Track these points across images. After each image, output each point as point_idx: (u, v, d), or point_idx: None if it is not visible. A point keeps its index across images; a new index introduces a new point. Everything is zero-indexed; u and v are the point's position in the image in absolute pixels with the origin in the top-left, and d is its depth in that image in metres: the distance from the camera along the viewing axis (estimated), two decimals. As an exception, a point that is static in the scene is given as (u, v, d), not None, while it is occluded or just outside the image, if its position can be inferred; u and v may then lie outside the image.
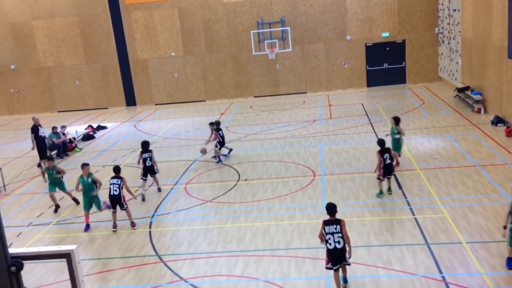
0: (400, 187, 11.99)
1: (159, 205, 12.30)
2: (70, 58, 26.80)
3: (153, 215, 11.76)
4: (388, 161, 11.40)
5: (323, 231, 7.68)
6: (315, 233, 10.02)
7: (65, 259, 2.71)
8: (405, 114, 19.42)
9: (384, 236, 9.68)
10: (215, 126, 15.57)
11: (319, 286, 8.18)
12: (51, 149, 17.64)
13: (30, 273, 9.14)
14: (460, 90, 20.25)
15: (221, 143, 15.48)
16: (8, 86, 27.32)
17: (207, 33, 26.06)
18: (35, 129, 15.82)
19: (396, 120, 13.12)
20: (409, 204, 10.96)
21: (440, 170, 12.86)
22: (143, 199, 12.69)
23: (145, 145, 13.06)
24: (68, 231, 11.23)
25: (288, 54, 25.67)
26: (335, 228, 7.59)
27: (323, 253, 9.14)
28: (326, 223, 7.71)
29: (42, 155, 15.75)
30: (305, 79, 26.42)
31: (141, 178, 12.93)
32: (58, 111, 27.25)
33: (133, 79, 26.92)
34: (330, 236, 7.58)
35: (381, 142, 11.60)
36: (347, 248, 7.67)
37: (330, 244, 7.61)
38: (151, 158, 12.90)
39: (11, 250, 2.53)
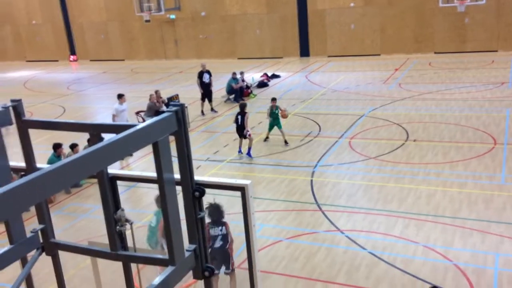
0: None
1: (322, 156, 12.54)
2: (253, 6, 28.04)
3: (316, 165, 12.06)
4: None
5: None
6: (488, 205, 9.24)
7: (236, 193, 3.01)
8: None
9: None
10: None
11: (486, 261, 7.59)
12: (230, 93, 19.08)
13: (204, 202, 10.28)
14: None
15: None
16: (198, 32, 29.94)
17: (389, -18, 24.65)
18: (200, 74, 17.31)
19: None
20: None
21: None
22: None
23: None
24: (238, 170, 12.23)
25: (480, 7, 22.92)
26: None
27: (495, 228, 8.43)
28: None
29: (203, 96, 17.28)
30: (497, 36, 23.45)
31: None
32: (238, 58, 29.09)
33: (309, 29, 27.12)
34: None
35: None
36: None
37: None
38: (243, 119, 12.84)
39: (196, 177, 2.89)
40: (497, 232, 8.32)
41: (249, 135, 12.69)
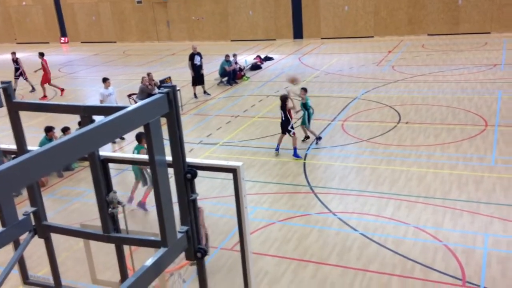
0: None
1: (315, 139, 12.56)
2: (245, -12, 27.73)
3: (309, 147, 12.09)
4: None
5: None
6: (478, 186, 9.34)
7: (229, 176, 3.03)
8: None
9: (562, 202, 8.56)
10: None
11: (475, 241, 7.71)
12: (223, 76, 18.99)
13: (197, 184, 10.31)
14: None
15: None
16: (191, 13, 29.61)
17: (383, -37, 24.45)
18: (191, 57, 17.17)
19: None
20: None
21: None
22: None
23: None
24: (231, 153, 12.24)
25: (474, -12, 22.86)
26: None
27: (484, 209, 8.55)
28: None
29: (194, 81, 17.15)
30: (491, 18, 23.43)
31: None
32: (231, 40, 28.85)
33: (302, 11, 26.91)
34: None
35: None
36: None
37: None
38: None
39: (188, 159, 2.90)
40: (487, 213, 8.44)
41: (293, 133, 11.43)
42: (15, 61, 19.84)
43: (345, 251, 7.76)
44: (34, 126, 13.73)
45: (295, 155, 11.46)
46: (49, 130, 11.50)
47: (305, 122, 12.15)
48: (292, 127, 11.48)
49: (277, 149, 11.79)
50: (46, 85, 18.91)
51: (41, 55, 19.25)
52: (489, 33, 23.57)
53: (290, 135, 11.50)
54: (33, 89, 20.00)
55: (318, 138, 12.21)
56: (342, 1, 25.91)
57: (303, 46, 25.44)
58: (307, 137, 12.36)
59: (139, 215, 9.48)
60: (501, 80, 15.97)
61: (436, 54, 20.69)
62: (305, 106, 12.05)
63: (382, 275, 7.14)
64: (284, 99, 11.47)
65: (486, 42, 21.99)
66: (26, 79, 19.96)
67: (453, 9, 24.01)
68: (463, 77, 16.76)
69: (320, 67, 20.36)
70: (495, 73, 16.94)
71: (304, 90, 12.23)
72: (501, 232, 7.89)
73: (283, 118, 11.47)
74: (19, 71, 19.81)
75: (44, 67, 18.91)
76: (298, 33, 27.39)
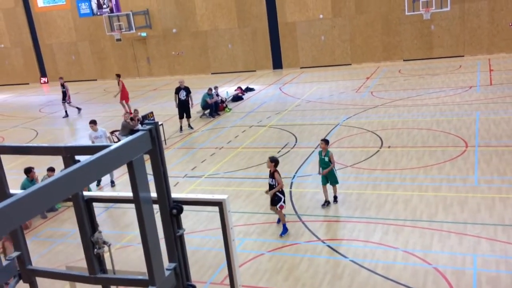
0: None
1: (300, 167, 12.62)
2: (224, 22, 28.22)
3: (294, 176, 12.11)
4: None
5: None
6: (463, 207, 9.43)
7: (216, 208, 3.02)
8: None
9: (546, 218, 8.67)
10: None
11: (464, 262, 7.73)
12: (205, 108, 19.08)
13: (184, 219, 10.20)
14: None
15: None
16: (170, 49, 29.92)
17: (356, -7, 25.20)
18: (177, 91, 17.35)
19: None
20: None
21: None
22: None
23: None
24: (217, 185, 12.19)
25: (445, 14, 23.64)
26: None
27: (471, 229, 8.61)
28: None
29: (180, 115, 17.23)
30: (463, 41, 24.17)
31: None
32: (211, 73, 29.14)
33: (280, 42, 27.43)
34: None
35: None
36: None
37: None
38: None
39: (173, 195, 2.89)
40: (474, 234, 8.49)
41: (280, 206, 9.20)
42: (62, 85, 21.72)
43: (336, 279, 7.70)
44: (15, 168, 13.53)
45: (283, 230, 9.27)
46: (29, 171, 11.33)
47: (326, 180, 10.04)
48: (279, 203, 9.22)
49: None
50: (124, 103, 20.75)
51: (118, 76, 21.34)
52: (462, 56, 24.25)
53: (277, 208, 9.27)
54: (66, 115, 21.66)
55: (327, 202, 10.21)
56: (318, 31, 26.51)
57: (283, 76, 25.80)
58: (327, 202, 10.13)
59: (127, 252, 9.31)
60: (477, 102, 16.36)
61: (413, 79, 21.17)
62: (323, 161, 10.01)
63: (374, 301, 7.08)
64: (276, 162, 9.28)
65: (461, 65, 22.60)
66: (69, 103, 21.77)
67: (426, 35, 24.73)
68: (441, 100, 17.12)
69: (301, 96, 20.63)
70: (471, 94, 17.35)
71: (325, 142, 10.10)
72: (489, 252, 7.93)
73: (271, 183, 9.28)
74: (67, 95, 21.63)
75: (122, 87, 20.69)
76: (277, 64, 27.83)
